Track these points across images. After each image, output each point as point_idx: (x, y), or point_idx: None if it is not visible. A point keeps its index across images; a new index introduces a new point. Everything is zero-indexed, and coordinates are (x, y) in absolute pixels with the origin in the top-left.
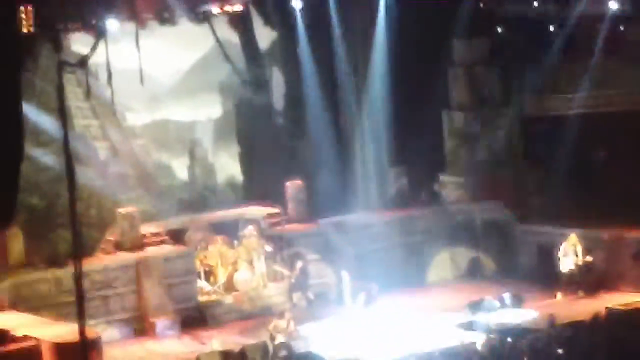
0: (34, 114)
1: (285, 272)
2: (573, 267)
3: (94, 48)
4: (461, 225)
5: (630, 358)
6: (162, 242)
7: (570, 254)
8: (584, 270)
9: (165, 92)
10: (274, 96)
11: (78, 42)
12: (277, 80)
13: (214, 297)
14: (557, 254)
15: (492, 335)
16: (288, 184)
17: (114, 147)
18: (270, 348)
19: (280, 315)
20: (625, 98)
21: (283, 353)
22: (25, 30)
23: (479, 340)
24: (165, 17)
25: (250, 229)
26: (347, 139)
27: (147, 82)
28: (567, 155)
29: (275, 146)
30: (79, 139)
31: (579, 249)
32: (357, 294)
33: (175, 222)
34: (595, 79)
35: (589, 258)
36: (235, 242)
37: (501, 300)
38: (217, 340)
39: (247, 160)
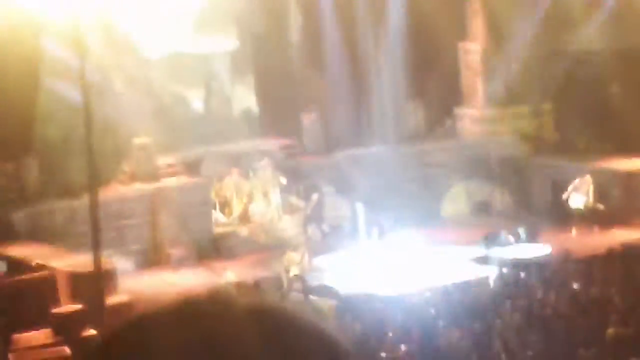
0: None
1: (301, 204)
2: (582, 207)
3: None
4: (476, 160)
5: None
6: (177, 173)
7: (583, 193)
8: (595, 209)
9: (180, 23)
10: (291, 28)
11: None
12: (294, 12)
13: (229, 228)
14: (569, 188)
15: (505, 269)
16: (304, 116)
17: (129, 77)
18: (285, 281)
19: (295, 248)
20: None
21: (297, 286)
22: None
23: (492, 274)
24: None
25: (265, 161)
26: (363, 72)
27: (161, 12)
28: (585, 91)
29: (292, 79)
30: (95, 68)
31: (592, 189)
32: (371, 227)
33: (190, 154)
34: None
35: (600, 205)
36: (251, 174)
37: (516, 234)
38: (231, 271)
39: (263, 93)
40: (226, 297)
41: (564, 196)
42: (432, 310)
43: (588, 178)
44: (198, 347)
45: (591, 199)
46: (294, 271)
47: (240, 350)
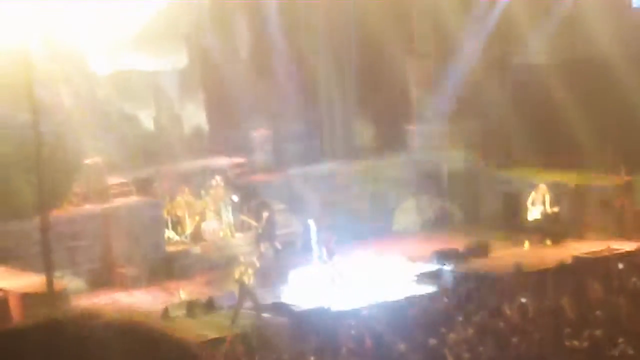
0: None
1: (252, 222)
2: (540, 216)
3: None
4: (427, 174)
5: (595, 306)
6: (129, 192)
7: (539, 203)
8: (552, 219)
9: (128, 40)
10: (240, 45)
11: None
12: (243, 28)
13: (181, 247)
14: (525, 202)
15: (458, 284)
16: (254, 133)
17: (78, 96)
18: (237, 297)
19: (245, 264)
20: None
21: (249, 303)
22: None
23: (445, 288)
24: None
25: (217, 179)
26: (313, 88)
27: (110, 29)
28: (535, 103)
29: (242, 96)
30: (43, 87)
31: (547, 198)
32: (322, 244)
33: (142, 173)
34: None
35: (556, 209)
36: (203, 192)
37: (468, 248)
38: (184, 290)
39: (213, 110)
40: (92, 317)
41: (527, 215)
42: (385, 325)
43: (543, 187)
44: None
45: (548, 207)
46: (246, 288)
47: None
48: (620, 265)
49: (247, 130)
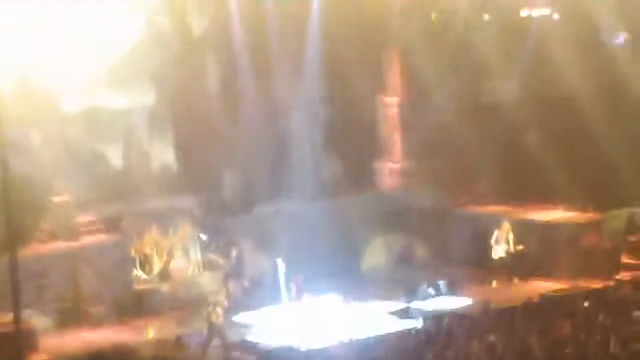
0: None
1: (220, 260)
2: (504, 254)
3: None
4: (396, 213)
5: (563, 344)
6: (97, 230)
7: (503, 241)
8: (517, 257)
9: (98, 78)
10: (209, 83)
11: None
12: (212, 66)
13: (149, 285)
14: (490, 240)
15: (427, 322)
16: (223, 172)
17: (47, 133)
18: (206, 336)
19: (213, 303)
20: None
21: (217, 342)
22: None
23: (414, 327)
24: None
25: (185, 218)
26: (282, 126)
27: (79, 67)
28: (502, 141)
29: (210, 134)
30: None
31: (511, 236)
32: (290, 283)
33: (110, 211)
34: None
35: (520, 247)
36: (171, 230)
37: (436, 287)
38: (153, 329)
39: (182, 148)
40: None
41: (492, 254)
42: None
43: (505, 225)
44: None
45: (511, 245)
46: (214, 326)
47: None
48: (586, 303)
49: (215, 168)
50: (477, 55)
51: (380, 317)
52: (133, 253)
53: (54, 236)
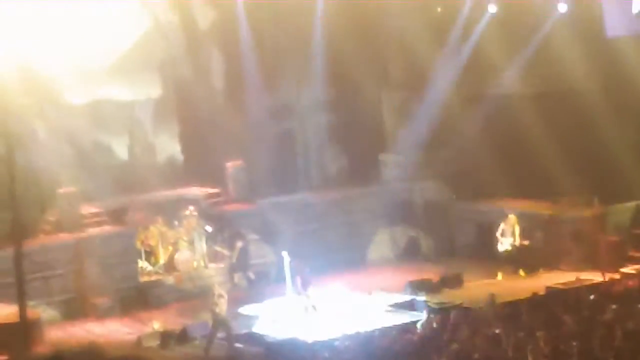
0: None
1: (226, 252)
2: (510, 247)
3: None
4: (401, 205)
5: (569, 337)
6: (102, 222)
7: (509, 234)
8: (523, 250)
9: (103, 70)
10: (215, 75)
11: None
12: (217, 59)
13: (154, 277)
14: (497, 233)
15: (432, 315)
16: (228, 164)
17: (52, 125)
18: (211, 328)
19: (218, 295)
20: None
21: (222, 333)
22: None
23: (419, 320)
24: None
25: (190, 209)
26: (287, 118)
27: (84, 60)
28: (509, 133)
29: (216, 126)
30: (17, 117)
31: (517, 230)
32: (296, 275)
33: (115, 203)
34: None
35: (525, 242)
36: (176, 222)
37: (441, 279)
38: (157, 321)
39: (187, 140)
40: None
41: (498, 247)
42: (359, 356)
43: (512, 218)
44: None
45: (517, 238)
46: (220, 319)
47: None
48: (592, 297)
49: (221, 160)
50: (483, 46)
51: (385, 310)
52: (138, 245)
53: (59, 228)
